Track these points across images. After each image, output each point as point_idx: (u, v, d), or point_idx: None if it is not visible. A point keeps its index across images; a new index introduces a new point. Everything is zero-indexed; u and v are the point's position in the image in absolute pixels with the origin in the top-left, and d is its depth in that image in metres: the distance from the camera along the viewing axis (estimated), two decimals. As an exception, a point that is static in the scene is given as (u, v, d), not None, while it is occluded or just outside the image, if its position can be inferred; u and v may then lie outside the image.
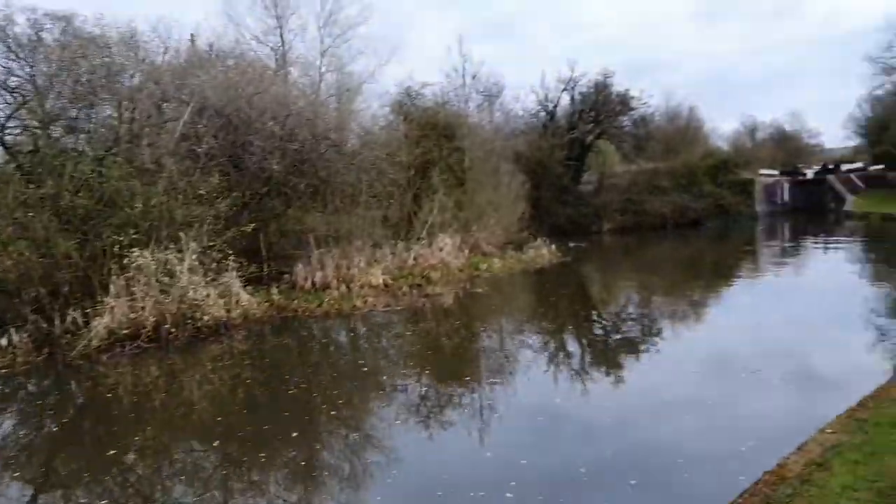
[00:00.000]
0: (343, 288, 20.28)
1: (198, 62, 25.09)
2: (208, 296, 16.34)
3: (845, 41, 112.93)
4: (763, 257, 30.95)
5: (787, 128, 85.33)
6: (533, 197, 43.67)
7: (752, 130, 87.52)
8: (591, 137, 46.63)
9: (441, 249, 26.22)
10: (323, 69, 42.81)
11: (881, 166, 59.96)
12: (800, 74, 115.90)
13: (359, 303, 18.25)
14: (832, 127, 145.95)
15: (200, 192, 17.22)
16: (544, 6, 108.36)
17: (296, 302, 18.17)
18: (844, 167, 57.77)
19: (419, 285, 21.78)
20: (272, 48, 40.46)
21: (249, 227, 18.14)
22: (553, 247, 33.01)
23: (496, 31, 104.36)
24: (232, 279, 18.23)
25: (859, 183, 52.04)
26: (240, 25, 38.95)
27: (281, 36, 41.79)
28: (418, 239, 26.13)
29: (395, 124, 32.47)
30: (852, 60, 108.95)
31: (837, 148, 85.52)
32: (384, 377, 12.00)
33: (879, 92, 63.24)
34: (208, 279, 16.87)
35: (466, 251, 29.16)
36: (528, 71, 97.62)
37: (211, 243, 16.98)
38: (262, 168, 19.87)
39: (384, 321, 16.94)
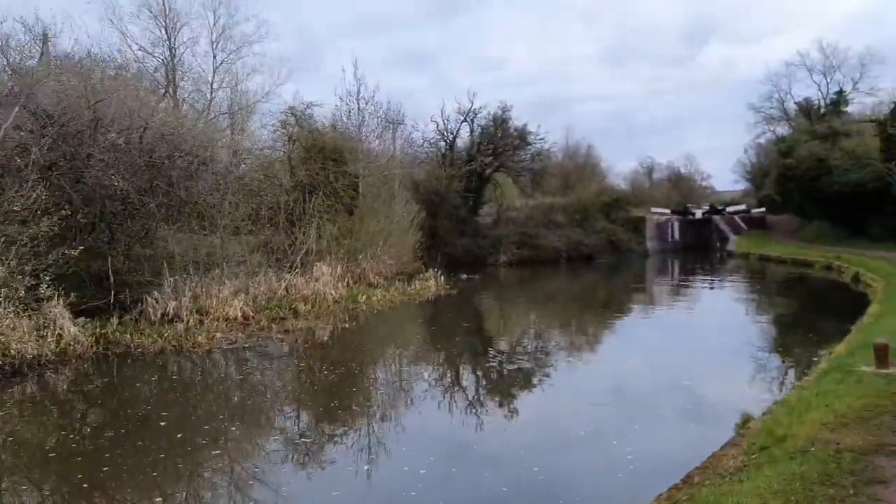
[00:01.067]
0: (194, 320, 18.20)
1: (46, 66, 22.64)
2: (13, 328, 14.00)
3: (737, 89, 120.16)
4: (653, 294, 31.04)
5: (682, 169, 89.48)
6: (429, 227, 42.75)
7: (649, 170, 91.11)
8: (489, 170, 46.38)
9: (318, 280, 24.53)
10: (215, 85, 40.54)
11: (762, 209, 63.15)
12: (696, 119, 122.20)
13: (202, 338, 16.23)
14: (723, 171, 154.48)
15: (15, 208, 14.88)
16: (462, 42, 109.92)
17: (129, 336, 15.94)
18: (729, 209, 60.31)
19: (283, 318, 19.95)
20: (161, 60, 37.80)
21: (75, 251, 15.85)
22: (442, 279, 31.99)
23: (417, 62, 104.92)
24: (58, 309, 15.94)
25: (742, 224, 54.37)
26: (125, 35, 36.12)
27: (170, 48, 39.15)
28: (291, 267, 24.32)
29: (278, 145, 30.75)
30: (742, 108, 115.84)
31: (727, 191, 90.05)
32: (182, 435, 10.13)
33: (761, 140, 67.06)
34: (19, 308, 14.52)
35: (350, 281, 27.61)
36: (440, 103, 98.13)
37: (26, 267, 14.66)
38: (103, 185, 17.65)
39: (224, 360, 15.01)
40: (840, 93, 54.05)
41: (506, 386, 13.04)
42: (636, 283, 36.98)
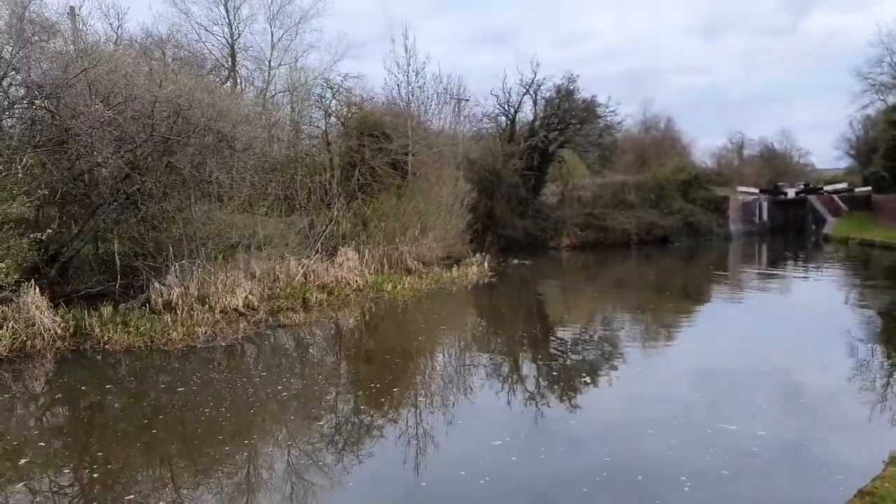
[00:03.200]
0: (197, 310, 16.43)
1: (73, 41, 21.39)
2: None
3: (842, 60, 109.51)
4: (736, 283, 26.88)
5: (776, 146, 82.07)
6: (485, 207, 39.98)
7: (739, 147, 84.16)
8: (553, 146, 42.88)
9: (341, 265, 22.41)
10: (273, 63, 39.08)
11: (868, 188, 56.26)
12: (795, 93, 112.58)
13: (176, 334, 14.33)
14: (823, 147, 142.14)
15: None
16: (543, 16, 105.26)
17: (99, 330, 14.25)
18: (828, 188, 54.02)
19: (290, 310, 17.90)
20: (223, 39, 36.60)
21: (43, 234, 14.28)
22: (488, 264, 29.30)
23: (494, 39, 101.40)
24: (30, 297, 14.50)
25: (842, 205, 48.30)
26: (187, 14, 35.04)
27: (230, 25, 37.89)
28: (316, 252, 22.28)
29: (315, 121, 28.77)
30: (847, 79, 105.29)
31: (829, 168, 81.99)
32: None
33: (870, 111, 59.63)
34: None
35: (385, 267, 25.42)
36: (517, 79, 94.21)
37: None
38: (87, 161, 16.03)
39: (183, 365, 12.92)
40: (963, 54, 46.79)
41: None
42: (716, 269, 32.78)
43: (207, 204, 20.21)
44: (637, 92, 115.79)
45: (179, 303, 16.77)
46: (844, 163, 77.33)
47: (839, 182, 60.34)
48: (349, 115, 30.07)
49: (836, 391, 10.31)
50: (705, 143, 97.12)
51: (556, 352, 14.28)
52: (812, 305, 20.51)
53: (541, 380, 11.88)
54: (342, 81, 29.69)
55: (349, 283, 21.77)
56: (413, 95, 34.61)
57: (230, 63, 35.81)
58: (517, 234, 40.96)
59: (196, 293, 17.59)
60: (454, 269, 26.45)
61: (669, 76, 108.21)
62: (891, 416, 9.14)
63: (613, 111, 42.61)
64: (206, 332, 14.80)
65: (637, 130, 54.55)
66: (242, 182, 21.10)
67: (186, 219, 19.33)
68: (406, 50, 34.63)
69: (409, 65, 34.65)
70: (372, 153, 27.50)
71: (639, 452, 7.99)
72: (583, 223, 41.32)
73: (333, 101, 28.36)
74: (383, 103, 34.33)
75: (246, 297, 17.92)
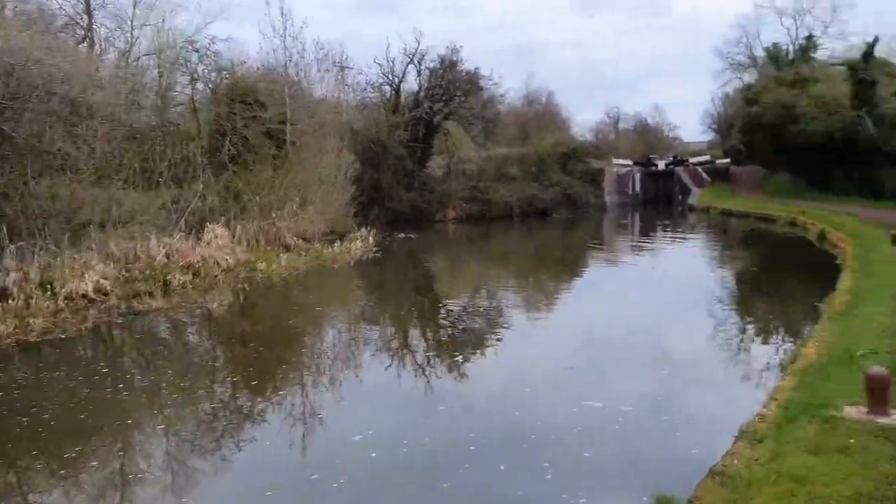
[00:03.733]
0: (27, 299, 14.51)
1: None
2: None
3: (710, 40, 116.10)
4: (611, 252, 27.76)
5: (650, 120, 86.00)
6: (370, 180, 38.92)
7: (616, 121, 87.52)
8: (438, 118, 42.30)
9: (208, 243, 20.82)
10: (136, 24, 35.57)
11: (727, 160, 60.10)
12: (668, 70, 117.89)
13: (4, 327, 12.55)
14: (692, 121, 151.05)
15: None
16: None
17: None
18: (693, 160, 57.12)
19: (149, 293, 16.31)
20: None
21: None
22: (373, 238, 28.50)
23: (381, 6, 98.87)
24: None
25: (705, 176, 51.27)
26: None
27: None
28: (180, 230, 20.54)
29: (181, 86, 26.50)
30: (712, 58, 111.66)
31: (695, 142, 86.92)
32: None
33: (728, 89, 63.57)
34: None
35: (261, 243, 23.99)
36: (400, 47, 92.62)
37: None
38: None
39: (11, 364, 11.25)
40: (810, 37, 50.48)
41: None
42: (593, 240, 33.76)
43: (51, 177, 18.00)
44: (522, 66, 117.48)
45: (15, 290, 14.82)
46: (708, 137, 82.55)
47: (703, 155, 63.96)
48: (218, 80, 27.95)
49: (697, 356, 10.71)
50: (585, 118, 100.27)
51: (444, 323, 13.91)
52: (679, 272, 21.46)
53: (428, 352, 11.58)
54: (209, 45, 27.43)
55: (218, 263, 20.28)
56: (291, 61, 32.73)
57: (87, 21, 32.28)
58: (403, 207, 40.24)
59: (38, 279, 15.65)
60: (337, 244, 25.38)
61: (551, 51, 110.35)
62: (743, 379, 9.31)
63: (496, 84, 42.56)
64: (43, 323, 13.07)
65: (520, 104, 55.10)
66: (92, 153, 18.95)
67: (24, 194, 17.12)
68: (282, 13, 32.60)
69: (285, 29, 32.70)
70: (244, 121, 25.70)
71: (523, 415, 8.15)
72: (468, 196, 41.22)
73: (200, 65, 26.14)
74: (258, 69, 32.30)
75: (97, 281, 16.14)
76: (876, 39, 33.19)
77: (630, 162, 55.08)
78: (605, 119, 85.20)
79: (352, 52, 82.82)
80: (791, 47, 52.71)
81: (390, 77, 42.31)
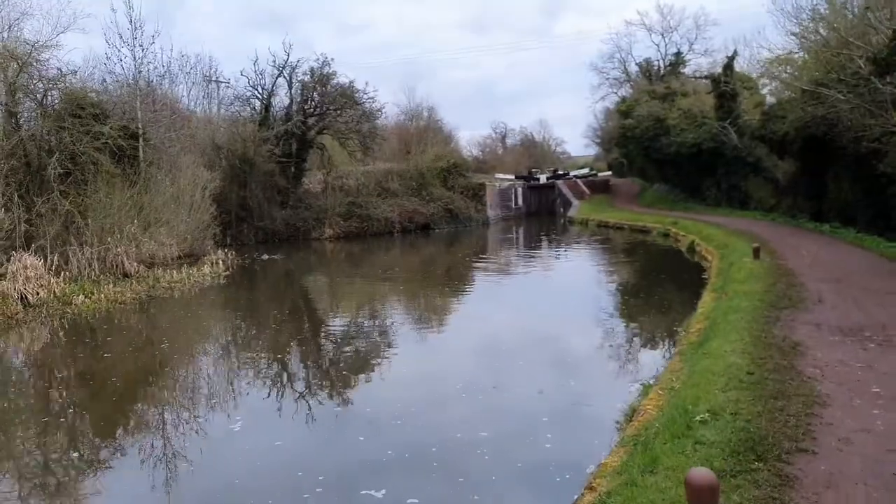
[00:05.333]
0: None
1: None
2: None
3: (590, 60, 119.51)
4: (495, 270, 26.28)
5: (536, 135, 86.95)
6: (237, 198, 35.92)
7: (503, 137, 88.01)
8: (312, 132, 39.83)
9: (14, 276, 17.43)
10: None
11: (608, 173, 61.15)
12: (554, 89, 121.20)
13: None
14: (576, 136, 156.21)
15: None
16: (322, 3, 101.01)
17: None
18: (573, 173, 57.64)
19: None
20: None
21: None
22: (230, 261, 25.71)
23: (272, 24, 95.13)
24: None
25: (585, 189, 51.56)
26: None
27: None
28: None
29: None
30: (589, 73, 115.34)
31: (582, 156, 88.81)
32: None
33: (608, 103, 64.86)
34: None
35: (94, 273, 20.71)
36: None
37: None
38: None
39: None
40: (678, 54, 52.13)
41: None
42: (477, 254, 32.29)
43: None
44: (414, 84, 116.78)
45: None
46: (593, 151, 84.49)
47: (591, 168, 64.87)
48: (44, 91, 24.30)
49: (584, 361, 10.65)
50: (474, 134, 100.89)
51: (266, 374, 11.46)
52: (561, 284, 20.76)
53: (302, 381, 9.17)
54: (31, 52, 23.72)
55: (25, 298, 17.00)
56: (141, 73, 29.33)
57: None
58: (277, 226, 37.46)
59: None
60: (185, 269, 22.43)
61: (444, 69, 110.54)
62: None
63: (372, 98, 40.61)
64: None
65: (402, 119, 53.50)
66: None
67: None
68: (131, 21, 29.15)
69: (134, 38, 29.28)
70: (76, 136, 22.27)
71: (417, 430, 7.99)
72: (346, 213, 38.96)
73: (22, 74, 22.38)
74: (104, 82, 28.79)
75: None
76: (735, 53, 34.03)
77: (512, 176, 54.73)
78: (493, 134, 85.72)
79: (236, 68, 78.98)
80: (662, 63, 54.23)
81: (259, 91, 39.51)
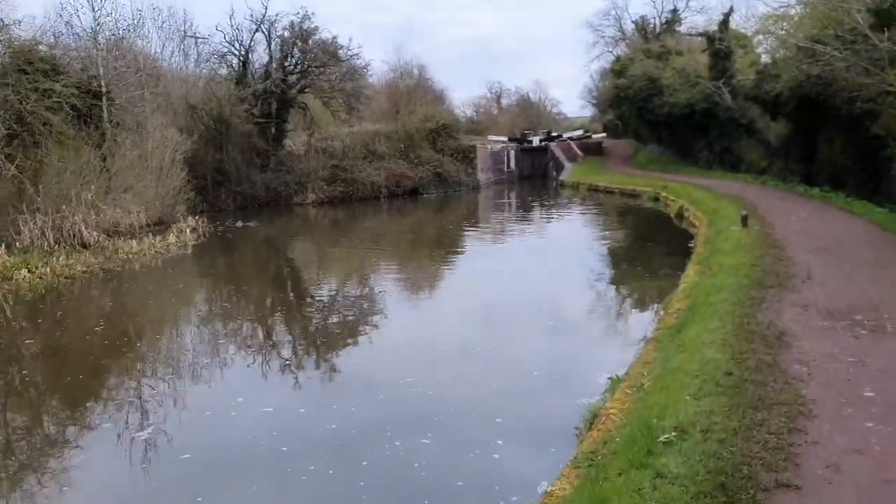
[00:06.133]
0: None
1: None
2: None
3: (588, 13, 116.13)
4: (485, 236, 25.36)
5: (532, 96, 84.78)
6: (213, 161, 34.53)
7: (498, 97, 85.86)
8: (293, 91, 38.18)
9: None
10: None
11: (603, 135, 59.49)
12: (554, 47, 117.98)
13: None
14: (573, 97, 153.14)
15: None
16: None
17: None
18: (567, 135, 55.99)
19: None
20: None
21: None
22: (200, 229, 24.59)
23: None
24: None
25: (578, 151, 50.05)
26: None
27: None
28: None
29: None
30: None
31: (578, 117, 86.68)
32: None
33: (604, 63, 62.75)
34: None
35: (48, 244, 19.59)
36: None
37: None
38: None
39: None
40: (674, 11, 50.00)
41: None
42: (468, 220, 31.16)
43: None
44: (408, 42, 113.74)
45: None
46: (589, 112, 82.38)
47: (586, 130, 63.04)
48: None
49: (551, 345, 9.97)
50: (468, 94, 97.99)
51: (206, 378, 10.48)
52: (544, 255, 19.58)
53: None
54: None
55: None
56: (100, 24, 27.59)
57: None
58: (257, 191, 36.11)
59: None
60: (148, 239, 21.35)
61: (441, 28, 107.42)
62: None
63: (356, 55, 38.83)
64: None
65: (392, 78, 51.59)
66: None
67: None
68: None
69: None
70: (23, 94, 20.88)
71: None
72: (330, 176, 37.57)
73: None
74: (59, 35, 27.13)
75: None
76: (731, 9, 32.35)
77: (505, 138, 53.14)
78: (488, 94, 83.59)
79: (212, 22, 75.33)
80: (658, 20, 52.19)
81: (236, 47, 37.71)
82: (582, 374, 8.45)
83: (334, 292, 15.73)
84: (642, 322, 10.17)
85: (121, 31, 29.89)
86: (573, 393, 7.79)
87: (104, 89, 25.88)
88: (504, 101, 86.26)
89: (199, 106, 33.85)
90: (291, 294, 15.85)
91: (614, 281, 14.79)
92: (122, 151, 26.17)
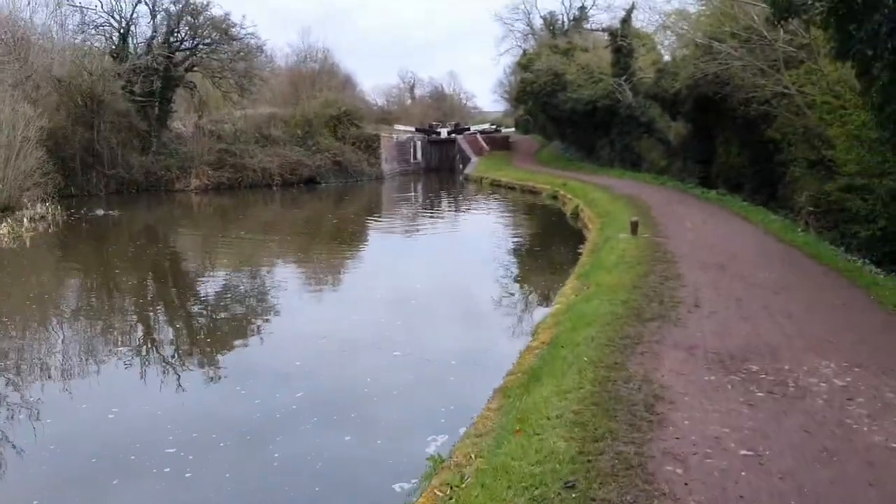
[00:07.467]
0: None
1: None
2: None
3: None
4: (384, 229, 22.99)
5: (445, 87, 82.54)
6: (82, 141, 30.35)
7: (411, 87, 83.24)
8: (179, 69, 34.31)
9: None
10: None
11: (511, 129, 58.15)
12: (468, 38, 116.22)
13: None
14: (486, 91, 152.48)
15: None
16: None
17: None
18: (475, 128, 54.26)
19: None
20: None
21: None
22: (52, 215, 21.03)
23: None
24: None
25: (484, 145, 48.33)
26: None
27: None
28: None
29: None
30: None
31: (493, 111, 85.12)
32: None
33: (515, 56, 61.32)
34: None
35: None
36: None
37: None
38: None
39: None
40: (582, 8, 49.07)
41: None
42: (368, 213, 28.58)
43: None
44: (331, 29, 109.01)
45: None
46: (502, 106, 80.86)
47: (494, 124, 61.46)
48: None
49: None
50: (379, 83, 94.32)
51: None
52: (424, 259, 17.19)
53: None
54: None
55: None
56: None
57: None
58: (135, 175, 32.16)
59: None
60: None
61: (359, 15, 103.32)
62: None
63: (251, 33, 35.33)
64: None
65: (294, 61, 48.12)
66: None
67: None
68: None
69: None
70: None
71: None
72: (216, 161, 34.04)
73: None
74: None
75: None
76: (633, 6, 31.25)
77: (412, 129, 50.79)
78: (401, 84, 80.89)
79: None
80: (566, 17, 51.13)
81: (117, 18, 33.44)
82: (411, 440, 6.25)
83: (195, 306, 12.62)
84: (501, 354, 8.07)
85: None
86: (388, 472, 5.60)
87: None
88: (418, 92, 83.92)
89: (67, 80, 29.51)
90: (116, 318, 12.13)
91: (488, 295, 12.57)
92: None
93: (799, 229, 13.78)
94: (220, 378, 8.24)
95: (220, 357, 9.00)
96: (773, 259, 11.16)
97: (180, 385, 7.90)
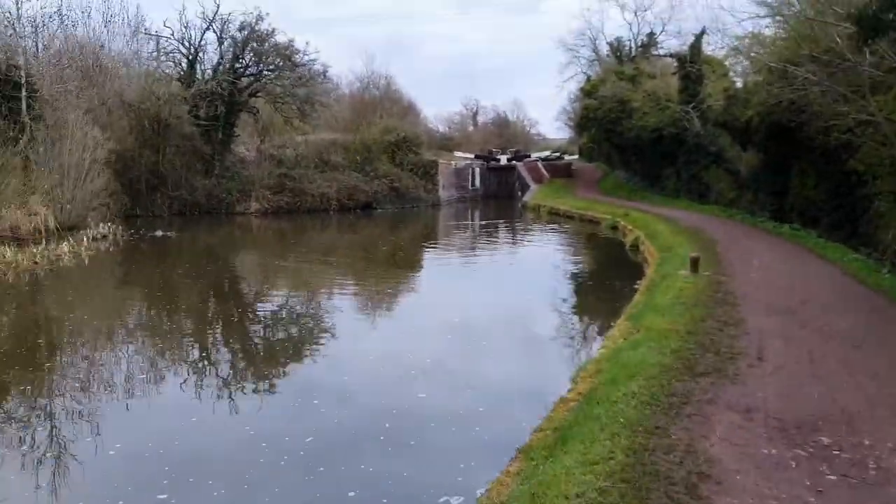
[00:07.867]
0: None
1: None
2: None
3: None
4: (440, 258, 22.68)
5: (509, 115, 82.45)
6: (147, 164, 31.54)
7: (474, 114, 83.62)
8: (244, 95, 35.34)
9: None
10: None
11: (574, 157, 57.19)
12: (534, 67, 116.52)
13: None
14: (550, 118, 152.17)
15: None
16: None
17: None
18: (535, 155, 53.55)
19: None
20: None
21: None
22: (113, 235, 21.67)
23: None
24: None
25: (545, 172, 47.48)
26: None
27: None
28: None
29: None
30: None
31: (557, 139, 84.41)
32: None
33: (579, 83, 60.51)
34: None
35: None
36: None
37: None
38: None
39: None
40: (651, 34, 47.85)
41: None
42: (425, 240, 28.29)
43: None
44: (398, 56, 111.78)
45: None
46: (566, 133, 79.90)
47: (548, 151, 60.70)
48: None
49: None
50: (442, 110, 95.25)
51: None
52: (479, 284, 16.81)
53: None
54: None
55: None
56: (20, 17, 24.70)
57: None
58: (198, 197, 33.15)
59: None
60: (30, 248, 18.31)
61: (424, 44, 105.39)
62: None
63: (314, 60, 36.10)
64: None
65: (357, 87, 48.96)
66: None
67: None
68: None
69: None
70: None
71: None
72: (276, 185, 34.70)
73: None
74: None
75: None
76: (703, 31, 30.06)
77: (471, 155, 50.57)
78: (463, 111, 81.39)
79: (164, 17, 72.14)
80: (633, 43, 49.99)
81: (187, 45, 34.85)
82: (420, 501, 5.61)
83: (232, 343, 11.91)
84: (536, 401, 7.33)
85: (45, 18, 27.05)
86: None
87: (22, 79, 23.14)
88: (480, 119, 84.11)
89: (136, 104, 30.82)
90: (157, 349, 11.24)
91: (534, 332, 11.85)
92: (36, 148, 23.51)
93: (884, 270, 12.44)
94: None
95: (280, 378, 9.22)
96: (853, 305, 9.99)
97: (235, 403, 8.11)
